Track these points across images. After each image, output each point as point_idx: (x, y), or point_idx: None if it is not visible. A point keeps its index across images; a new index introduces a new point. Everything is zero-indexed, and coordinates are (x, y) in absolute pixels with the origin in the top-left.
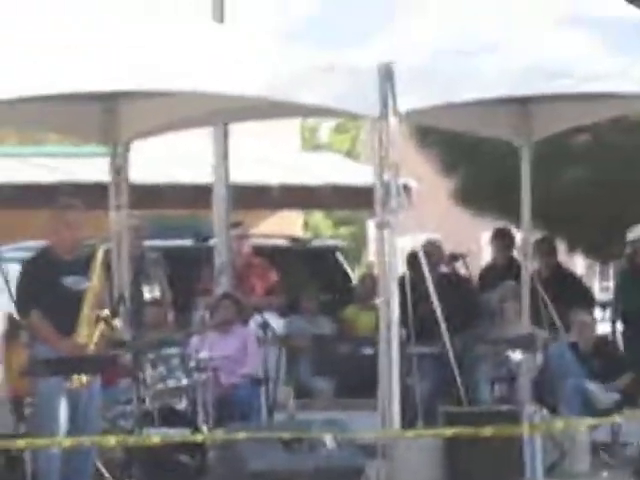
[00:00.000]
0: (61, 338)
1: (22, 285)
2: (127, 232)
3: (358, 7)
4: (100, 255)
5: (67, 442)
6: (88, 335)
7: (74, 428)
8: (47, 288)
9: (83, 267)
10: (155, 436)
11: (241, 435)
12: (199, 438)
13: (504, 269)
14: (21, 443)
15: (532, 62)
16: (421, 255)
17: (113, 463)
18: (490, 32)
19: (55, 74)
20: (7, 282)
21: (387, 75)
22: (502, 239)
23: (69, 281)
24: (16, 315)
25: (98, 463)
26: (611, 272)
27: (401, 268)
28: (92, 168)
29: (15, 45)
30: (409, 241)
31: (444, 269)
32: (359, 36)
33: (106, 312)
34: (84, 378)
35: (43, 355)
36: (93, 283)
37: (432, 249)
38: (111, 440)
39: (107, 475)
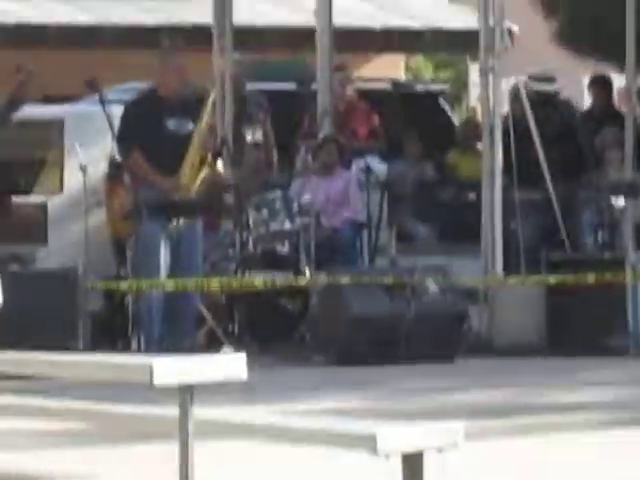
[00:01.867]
0: (164, 178)
1: (125, 126)
2: (230, 75)
3: None
4: (212, 97)
5: (170, 285)
6: (191, 178)
7: (176, 271)
8: (150, 130)
9: (187, 109)
10: (258, 280)
11: (344, 279)
12: (302, 282)
13: (603, 115)
14: (124, 286)
15: None
16: (523, 92)
17: (215, 307)
18: None
19: None
20: (111, 124)
21: None
22: (600, 85)
23: (173, 123)
24: (119, 157)
25: (200, 306)
26: None
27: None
28: (193, 10)
29: None
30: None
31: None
32: None
33: (210, 155)
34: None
35: (146, 198)
36: (201, 125)
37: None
38: (214, 283)
39: (209, 318)
